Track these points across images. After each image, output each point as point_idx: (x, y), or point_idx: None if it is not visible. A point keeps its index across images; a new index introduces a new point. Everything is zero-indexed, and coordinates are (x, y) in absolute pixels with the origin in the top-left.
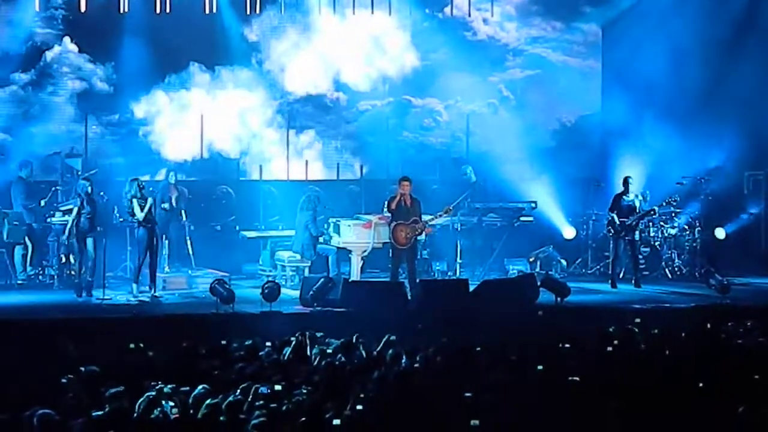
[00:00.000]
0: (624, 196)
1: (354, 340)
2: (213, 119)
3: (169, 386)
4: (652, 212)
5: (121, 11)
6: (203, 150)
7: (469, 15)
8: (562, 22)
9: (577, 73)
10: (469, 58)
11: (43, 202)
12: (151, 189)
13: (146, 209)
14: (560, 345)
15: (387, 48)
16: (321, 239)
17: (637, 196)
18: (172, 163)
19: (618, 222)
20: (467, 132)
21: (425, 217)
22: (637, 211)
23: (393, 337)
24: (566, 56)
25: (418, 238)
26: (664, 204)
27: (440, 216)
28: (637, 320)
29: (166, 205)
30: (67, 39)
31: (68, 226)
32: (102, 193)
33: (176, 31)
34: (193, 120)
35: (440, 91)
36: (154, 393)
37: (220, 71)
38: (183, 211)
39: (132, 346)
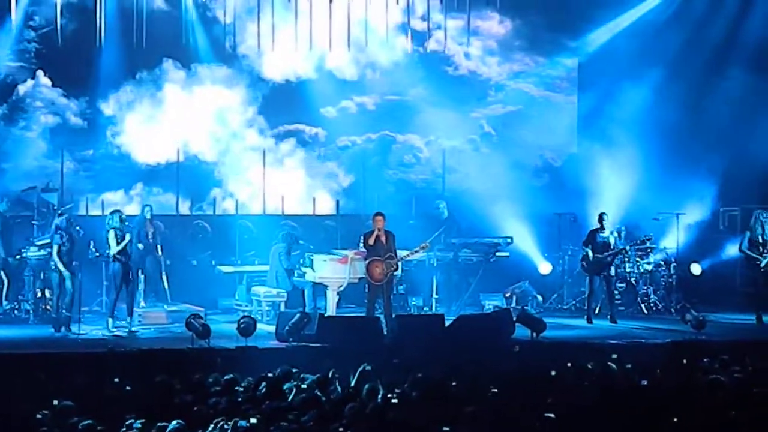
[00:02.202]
0: (599, 232)
1: (330, 375)
2: (189, 119)
3: (140, 421)
4: (623, 251)
5: (98, 45)
6: (179, 154)
7: (450, 49)
8: (544, 56)
9: (558, 108)
10: (451, 93)
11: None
12: (127, 224)
13: (122, 244)
14: (534, 381)
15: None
16: (296, 273)
17: (612, 232)
18: (143, 167)
19: (592, 257)
20: (443, 167)
21: (401, 253)
22: (612, 247)
23: (369, 367)
24: (548, 91)
25: (394, 273)
26: (637, 242)
27: (416, 252)
28: (614, 356)
29: (141, 245)
30: (40, 72)
31: (54, 259)
32: (78, 228)
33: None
34: (167, 120)
35: (421, 127)
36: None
37: (196, 68)
38: (159, 246)
39: (116, 380)
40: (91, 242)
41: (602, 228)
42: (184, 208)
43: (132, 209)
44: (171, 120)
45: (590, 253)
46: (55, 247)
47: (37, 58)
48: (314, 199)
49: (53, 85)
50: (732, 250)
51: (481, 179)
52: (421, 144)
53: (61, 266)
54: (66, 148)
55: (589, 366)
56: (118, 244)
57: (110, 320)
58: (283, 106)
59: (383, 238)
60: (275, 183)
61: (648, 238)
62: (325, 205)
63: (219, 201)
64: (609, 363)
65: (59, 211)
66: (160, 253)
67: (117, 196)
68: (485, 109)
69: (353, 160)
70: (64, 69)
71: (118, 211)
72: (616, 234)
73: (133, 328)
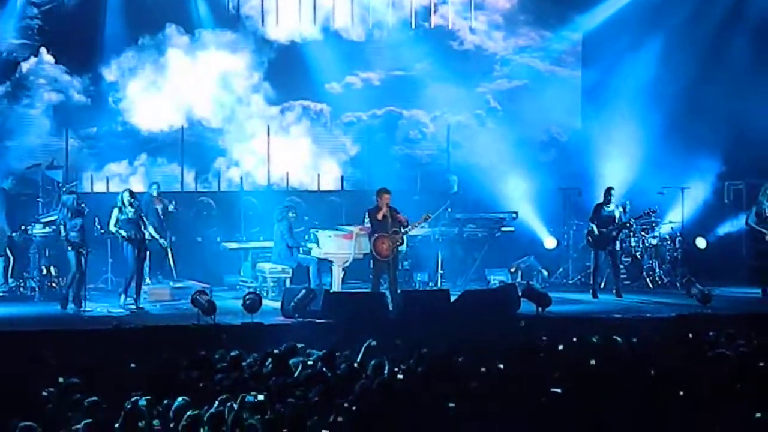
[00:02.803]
0: (605, 207)
1: (335, 351)
2: (193, 84)
3: (145, 398)
4: (628, 224)
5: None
6: (183, 120)
7: (455, 24)
8: (550, 30)
9: (564, 82)
10: (456, 68)
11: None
12: (138, 202)
13: (122, 221)
14: (540, 355)
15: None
16: (300, 249)
17: (617, 206)
18: (147, 135)
19: (597, 232)
20: (447, 141)
21: (404, 228)
22: (617, 222)
23: (374, 343)
24: (554, 66)
25: (399, 248)
26: (643, 215)
27: (419, 224)
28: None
29: (151, 230)
30: (43, 50)
31: (61, 236)
32: (83, 204)
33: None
34: (171, 86)
35: (426, 103)
36: (129, 405)
37: (200, 33)
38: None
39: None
40: (96, 219)
41: (608, 202)
42: (189, 179)
43: (136, 179)
44: (175, 86)
45: (595, 228)
46: (62, 224)
47: (40, 35)
48: (318, 176)
49: (56, 63)
50: (737, 224)
51: (487, 154)
52: (426, 119)
53: (67, 244)
54: (70, 126)
55: (594, 340)
56: (116, 223)
57: (123, 296)
58: (289, 73)
59: (388, 214)
60: (281, 152)
61: (653, 210)
62: (332, 176)
63: (223, 170)
64: (614, 337)
65: (65, 189)
66: (165, 230)
67: (121, 167)
68: (491, 84)
69: (359, 136)
70: (67, 46)
71: (127, 189)
72: (621, 208)
73: (140, 305)
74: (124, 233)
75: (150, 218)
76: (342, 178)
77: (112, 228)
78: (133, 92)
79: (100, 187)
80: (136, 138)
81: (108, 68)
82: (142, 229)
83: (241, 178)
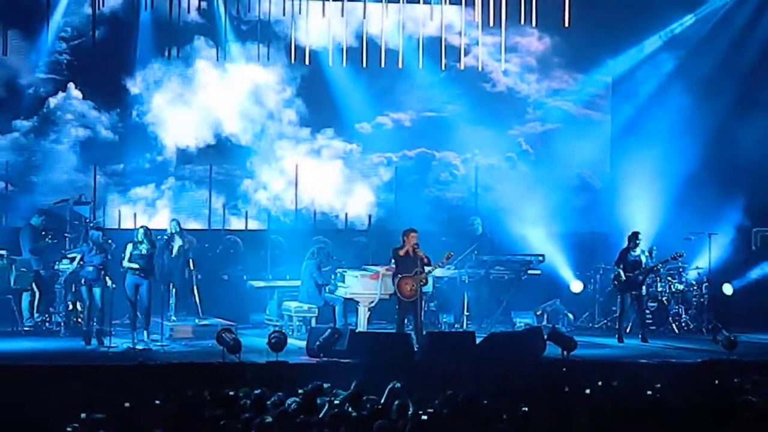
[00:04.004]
0: (631, 251)
1: (361, 392)
2: (222, 99)
3: None
4: (656, 268)
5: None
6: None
7: (488, 66)
8: (582, 73)
9: (595, 126)
10: (488, 110)
11: (49, 241)
12: (158, 237)
13: (135, 256)
14: (566, 398)
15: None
16: (327, 288)
17: (643, 251)
18: (174, 155)
19: (624, 277)
20: (476, 183)
21: (427, 267)
22: (643, 266)
23: (398, 385)
24: (586, 109)
25: (424, 289)
26: (669, 260)
27: (442, 263)
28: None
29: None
30: (71, 85)
31: (76, 270)
32: (110, 241)
33: None
34: (199, 101)
35: (457, 145)
36: None
37: (229, 46)
38: (190, 260)
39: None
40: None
41: (634, 247)
42: (218, 204)
43: (162, 203)
44: (203, 100)
45: (622, 273)
46: (78, 257)
47: (69, 70)
48: (346, 215)
49: (84, 98)
50: (765, 270)
51: (517, 197)
52: (457, 161)
53: (80, 278)
54: (97, 162)
55: (614, 384)
56: (130, 260)
57: (145, 333)
58: (320, 97)
59: (413, 254)
60: (310, 175)
61: (680, 254)
62: (363, 201)
63: (251, 193)
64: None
65: (92, 224)
66: (191, 267)
67: (148, 191)
68: (523, 127)
69: (388, 177)
70: (96, 81)
71: (143, 226)
72: (647, 253)
73: (160, 342)
74: (135, 266)
75: (164, 255)
76: (369, 217)
77: (125, 263)
78: (158, 106)
79: (128, 223)
80: (162, 155)
81: (133, 81)
82: (148, 263)
83: (266, 210)
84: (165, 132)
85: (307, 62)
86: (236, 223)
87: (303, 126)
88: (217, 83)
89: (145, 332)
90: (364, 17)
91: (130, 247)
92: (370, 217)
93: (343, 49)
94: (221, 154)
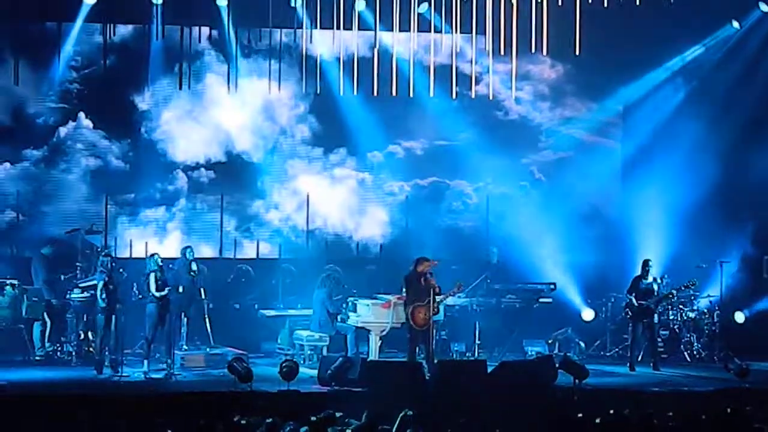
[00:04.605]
0: (643, 279)
1: (373, 421)
2: (234, 116)
3: None
4: (670, 296)
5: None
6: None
7: (501, 94)
8: (595, 101)
9: (607, 153)
10: (501, 138)
11: (63, 277)
12: (170, 266)
13: (165, 291)
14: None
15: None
16: (339, 317)
17: (655, 279)
18: (180, 165)
19: (636, 305)
20: (487, 212)
21: (438, 297)
22: (655, 294)
23: (410, 413)
24: (598, 137)
25: (435, 318)
26: (682, 288)
27: (451, 294)
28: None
29: (181, 288)
30: (81, 114)
31: (98, 300)
32: (121, 270)
33: None
34: (210, 118)
35: (470, 173)
36: None
37: (240, 62)
38: (202, 289)
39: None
40: (135, 284)
41: (646, 274)
42: (230, 227)
43: (173, 226)
44: (214, 117)
45: (633, 300)
46: (100, 285)
47: (79, 99)
48: (357, 245)
49: (94, 128)
50: None
51: (529, 226)
52: (470, 190)
53: (101, 308)
54: (107, 192)
55: (625, 413)
56: (158, 288)
57: (146, 362)
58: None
59: (424, 282)
60: (322, 195)
61: (692, 282)
62: (377, 220)
63: (263, 214)
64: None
65: (103, 252)
66: (203, 296)
67: (158, 213)
68: (536, 155)
69: (400, 205)
70: (106, 110)
71: (156, 254)
72: (659, 281)
73: (174, 371)
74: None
75: (183, 282)
76: (381, 246)
77: (157, 293)
78: (168, 122)
79: (139, 249)
80: (174, 185)
81: (141, 97)
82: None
83: (278, 232)
84: (175, 149)
85: (318, 91)
86: (248, 246)
87: (316, 145)
88: (227, 99)
89: (168, 360)
90: (375, 45)
91: (153, 276)
92: (381, 246)
93: (353, 77)
94: (232, 173)
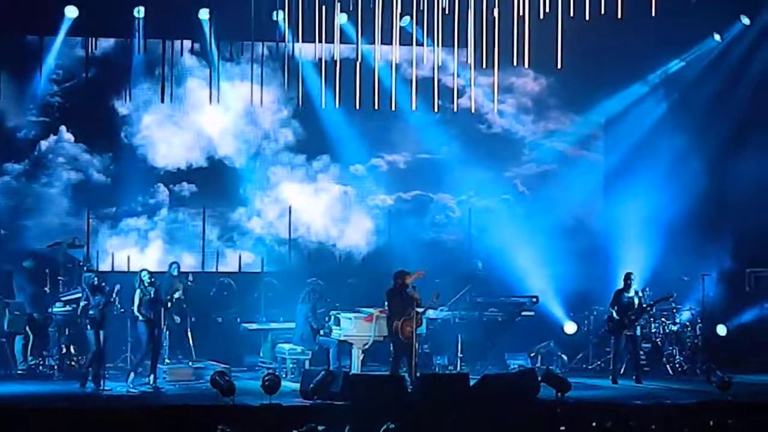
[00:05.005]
0: (624, 293)
1: None
2: (216, 120)
3: None
4: (648, 308)
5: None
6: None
7: (484, 107)
8: (578, 114)
9: (590, 166)
10: (484, 151)
11: (46, 290)
12: (154, 280)
13: (144, 301)
14: None
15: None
16: (321, 332)
17: (637, 292)
18: (161, 171)
19: (617, 317)
20: (469, 225)
21: (419, 309)
22: (636, 307)
23: (392, 427)
24: (581, 149)
25: (417, 330)
26: (660, 300)
27: (433, 303)
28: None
29: (170, 303)
30: (63, 128)
31: (81, 316)
32: (104, 284)
33: None
34: (192, 122)
35: (453, 187)
36: None
37: (223, 65)
38: (184, 304)
39: None
40: (117, 299)
41: (627, 288)
42: (213, 236)
43: (155, 234)
44: (195, 120)
45: (615, 313)
46: (82, 303)
47: (60, 112)
48: (340, 257)
49: (76, 141)
50: (759, 311)
51: (512, 239)
52: (453, 203)
53: (87, 321)
54: (89, 205)
55: (608, 425)
56: (141, 306)
57: (131, 375)
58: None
59: (409, 296)
60: (305, 202)
61: (670, 295)
62: (361, 227)
63: (244, 221)
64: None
65: (86, 267)
66: (185, 308)
67: (140, 222)
68: (519, 168)
69: (382, 218)
70: (87, 124)
71: (144, 270)
72: (640, 294)
73: (157, 385)
74: (143, 315)
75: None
76: (363, 259)
77: (137, 312)
78: (148, 127)
79: (120, 261)
80: (155, 198)
81: (121, 101)
82: (161, 309)
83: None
84: (155, 154)
85: (300, 104)
86: (231, 256)
87: (299, 152)
88: (209, 103)
89: (151, 376)
90: (358, 59)
91: (138, 293)
92: (363, 258)
93: (335, 90)
94: (214, 179)
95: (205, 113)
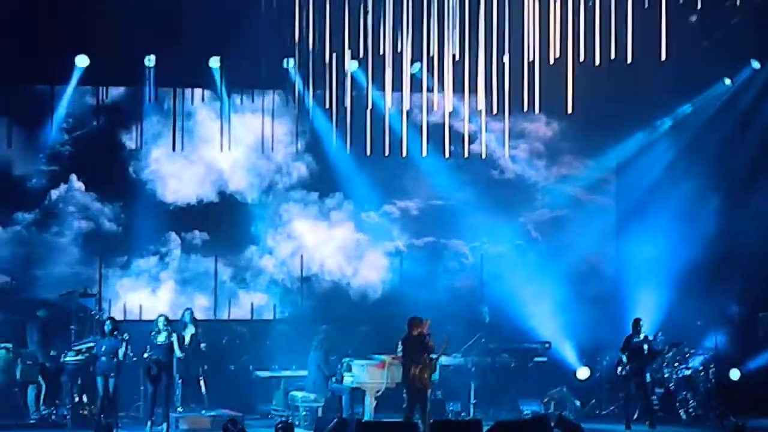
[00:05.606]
0: (635, 337)
1: None
2: (226, 151)
3: None
4: (659, 353)
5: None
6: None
7: (496, 152)
8: (591, 158)
9: (602, 211)
10: (496, 197)
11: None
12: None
13: (163, 346)
14: None
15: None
16: (333, 378)
17: (646, 338)
18: (171, 206)
19: (629, 363)
20: (481, 271)
21: (433, 355)
22: (645, 353)
23: None
24: (593, 194)
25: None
26: (668, 347)
27: (445, 349)
28: None
29: (180, 354)
30: (73, 176)
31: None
32: (116, 333)
33: None
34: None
35: (466, 233)
36: None
37: (234, 97)
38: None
39: None
40: (129, 347)
41: (637, 333)
42: (226, 275)
43: (166, 275)
44: (206, 156)
45: (625, 358)
46: (95, 351)
47: (71, 161)
48: (353, 298)
49: (86, 190)
50: None
51: (525, 285)
52: (466, 250)
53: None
54: (100, 254)
55: None
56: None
57: (149, 423)
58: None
59: (423, 343)
60: (318, 240)
61: (680, 342)
62: (377, 264)
63: (256, 259)
64: None
65: (98, 316)
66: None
67: (150, 262)
68: (532, 214)
69: (396, 266)
70: (98, 173)
71: (162, 315)
72: (651, 338)
73: None
74: (154, 358)
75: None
76: (374, 304)
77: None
78: (157, 161)
79: (132, 306)
80: (167, 247)
81: (129, 134)
82: (165, 353)
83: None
84: (165, 189)
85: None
86: (243, 298)
87: (312, 189)
88: (220, 137)
89: (165, 425)
90: (368, 106)
91: (174, 336)
92: (375, 303)
93: (346, 136)
94: (225, 215)
95: (215, 148)
